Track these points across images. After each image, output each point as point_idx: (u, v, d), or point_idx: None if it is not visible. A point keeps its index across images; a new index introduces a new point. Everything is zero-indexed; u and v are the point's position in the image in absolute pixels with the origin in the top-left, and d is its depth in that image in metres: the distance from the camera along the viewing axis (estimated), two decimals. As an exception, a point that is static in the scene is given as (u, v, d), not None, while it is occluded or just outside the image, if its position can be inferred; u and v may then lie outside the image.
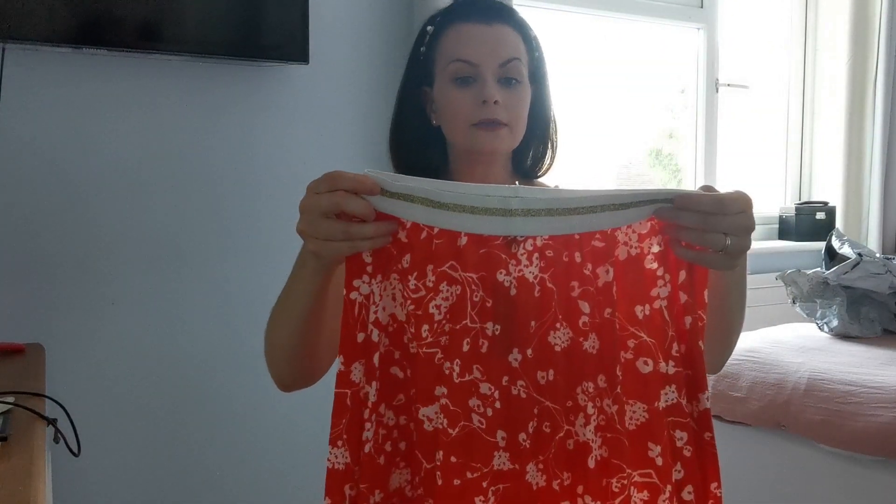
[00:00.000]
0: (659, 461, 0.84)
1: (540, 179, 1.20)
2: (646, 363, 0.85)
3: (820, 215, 3.20)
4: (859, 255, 2.37)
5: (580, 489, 0.85)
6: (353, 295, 0.84)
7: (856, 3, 3.12)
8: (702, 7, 3.00)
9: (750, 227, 0.83)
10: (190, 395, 1.93)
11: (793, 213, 3.21)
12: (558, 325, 0.85)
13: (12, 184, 1.73)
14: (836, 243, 2.59)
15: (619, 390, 0.84)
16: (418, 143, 1.14)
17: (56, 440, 1.15)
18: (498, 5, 1.11)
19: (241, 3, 1.88)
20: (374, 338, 0.84)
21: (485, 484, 0.84)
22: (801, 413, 1.96)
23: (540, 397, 0.85)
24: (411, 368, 0.85)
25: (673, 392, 0.85)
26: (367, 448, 0.83)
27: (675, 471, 0.85)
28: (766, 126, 3.37)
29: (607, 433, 0.84)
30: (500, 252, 0.84)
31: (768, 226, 3.30)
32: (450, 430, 0.83)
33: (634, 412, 0.85)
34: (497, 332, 0.85)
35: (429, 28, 1.12)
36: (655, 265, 0.85)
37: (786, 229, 3.25)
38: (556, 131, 1.19)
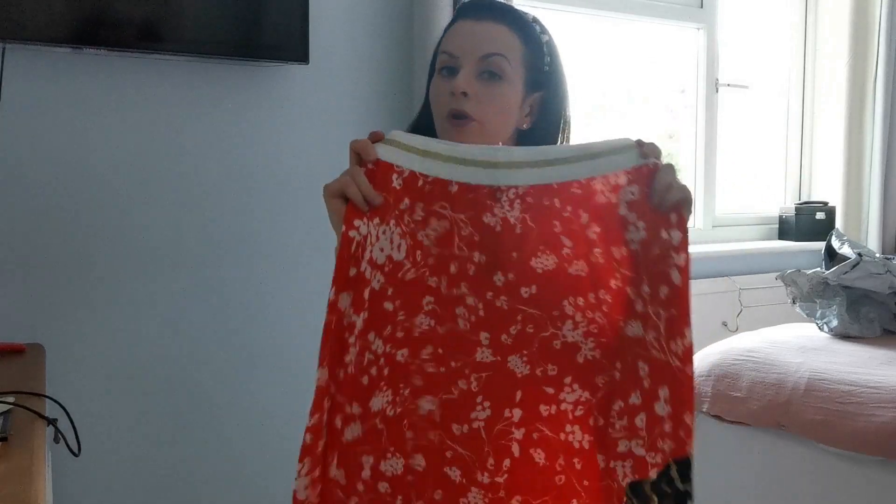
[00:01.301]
0: (616, 375, 0.95)
1: None
2: (626, 292, 0.96)
3: (820, 215, 3.20)
4: (859, 255, 2.37)
5: (568, 379, 0.96)
6: (352, 233, 0.94)
7: (856, 3, 3.12)
8: (702, 7, 3.00)
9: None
10: (190, 395, 1.93)
11: (793, 213, 3.21)
12: (540, 253, 0.96)
13: (12, 184, 1.73)
14: (835, 243, 2.59)
15: (605, 308, 0.95)
16: (424, 133, 1.16)
17: (56, 440, 1.15)
18: (497, 5, 1.13)
19: (241, 3, 1.87)
20: (367, 274, 0.94)
21: (467, 371, 0.96)
22: (800, 413, 1.96)
23: (524, 307, 0.96)
24: (403, 293, 0.96)
25: (638, 327, 0.94)
26: (349, 369, 0.94)
27: (634, 395, 0.95)
28: (766, 126, 3.36)
29: (601, 338, 0.96)
30: (486, 199, 0.97)
31: (768, 226, 3.29)
32: (438, 329, 0.96)
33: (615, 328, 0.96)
34: (483, 261, 0.97)
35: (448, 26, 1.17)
36: (627, 212, 0.96)
37: (786, 229, 3.24)
38: (567, 135, 1.19)
